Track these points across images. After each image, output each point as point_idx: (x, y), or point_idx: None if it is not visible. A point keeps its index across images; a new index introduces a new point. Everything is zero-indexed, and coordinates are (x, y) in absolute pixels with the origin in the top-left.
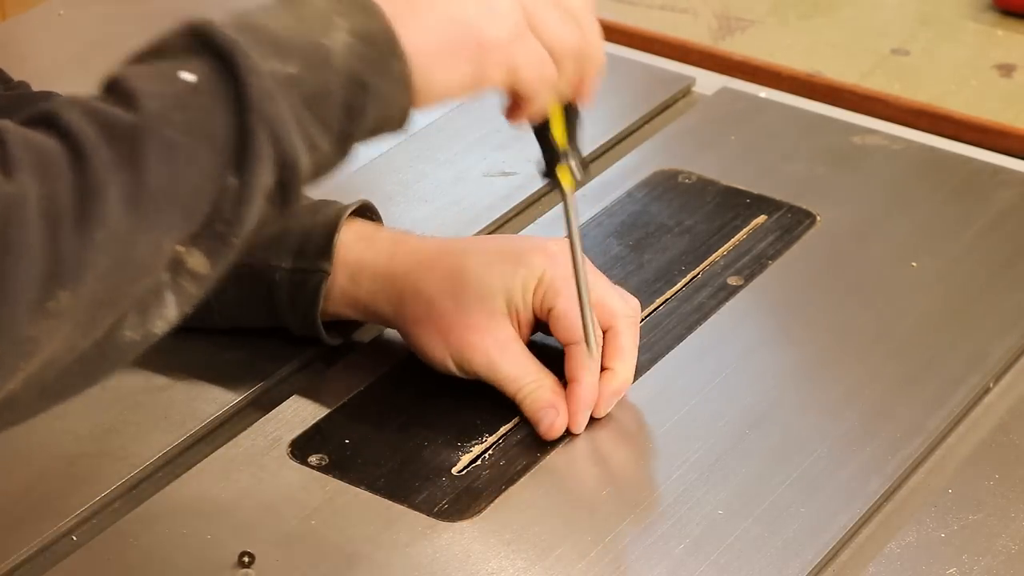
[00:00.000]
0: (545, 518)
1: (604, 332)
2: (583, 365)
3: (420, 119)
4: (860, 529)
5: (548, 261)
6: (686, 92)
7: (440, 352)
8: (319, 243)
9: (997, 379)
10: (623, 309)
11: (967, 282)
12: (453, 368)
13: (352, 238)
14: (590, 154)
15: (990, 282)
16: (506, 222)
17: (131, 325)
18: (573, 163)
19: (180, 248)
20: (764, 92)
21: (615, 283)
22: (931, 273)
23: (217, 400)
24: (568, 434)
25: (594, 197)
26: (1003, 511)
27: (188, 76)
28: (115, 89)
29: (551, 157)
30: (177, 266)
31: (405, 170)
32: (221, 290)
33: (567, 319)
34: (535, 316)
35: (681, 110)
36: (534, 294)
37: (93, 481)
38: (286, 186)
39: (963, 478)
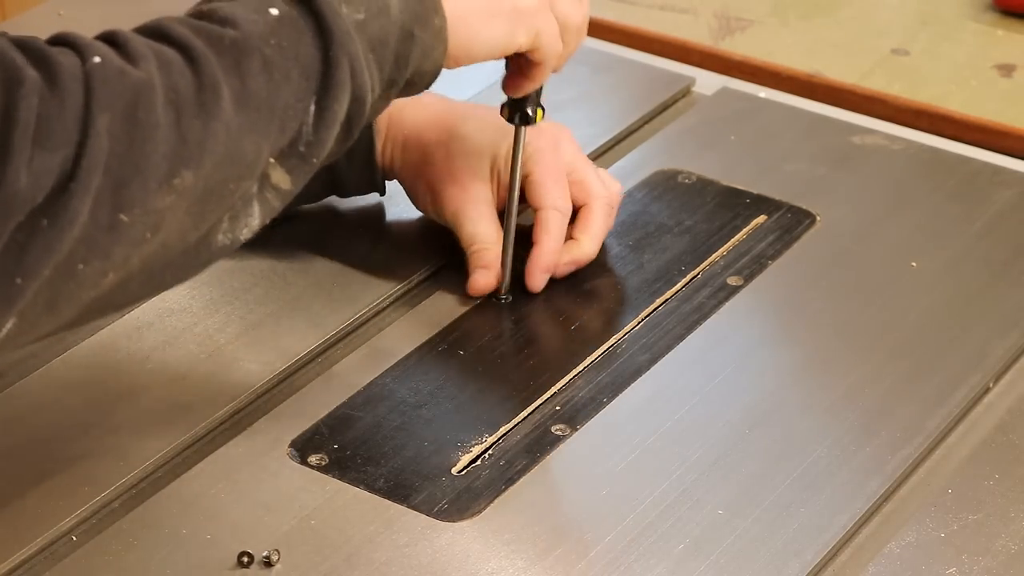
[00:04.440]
0: (545, 518)
1: (579, 209)
2: (547, 230)
3: None
4: (860, 529)
5: (534, 133)
6: (686, 92)
7: (423, 196)
8: None
9: (997, 379)
10: (600, 191)
11: (967, 282)
12: (431, 212)
13: None
14: (590, 154)
15: (990, 282)
16: None
17: (224, 230)
18: (537, 109)
19: (271, 160)
20: (764, 92)
21: (615, 284)
22: (931, 273)
23: (217, 400)
24: (568, 430)
25: None
26: (1003, 511)
27: (275, 11)
28: (210, 15)
29: (523, 107)
30: (264, 179)
31: None
32: None
33: (541, 186)
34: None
35: (681, 110)
36: None
37: (93, 481)
38: (352, 120)
39: (963, 478)
